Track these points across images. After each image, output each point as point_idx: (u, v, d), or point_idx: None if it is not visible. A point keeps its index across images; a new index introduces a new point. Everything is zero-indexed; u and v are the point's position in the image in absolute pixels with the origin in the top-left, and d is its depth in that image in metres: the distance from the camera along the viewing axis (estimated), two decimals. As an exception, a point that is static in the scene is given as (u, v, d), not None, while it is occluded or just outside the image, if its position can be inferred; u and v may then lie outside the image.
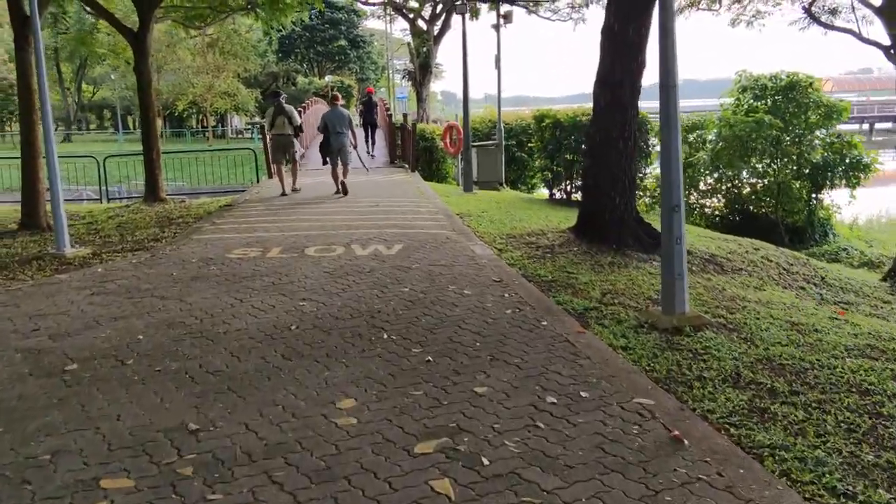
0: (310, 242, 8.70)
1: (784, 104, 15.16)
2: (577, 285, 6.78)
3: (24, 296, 6.57)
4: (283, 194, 13.07)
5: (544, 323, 5.43)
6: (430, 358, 4.68)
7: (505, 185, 16.74)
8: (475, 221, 10.48)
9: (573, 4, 40.21)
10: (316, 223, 10.15)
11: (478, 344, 4.96)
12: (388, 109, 20.32)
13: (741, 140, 14.60)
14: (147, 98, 13.58)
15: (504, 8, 18.83)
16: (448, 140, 17.15)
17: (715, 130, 15.50)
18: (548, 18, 41.52)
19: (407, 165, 17.74)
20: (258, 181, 17.39)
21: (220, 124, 54.59)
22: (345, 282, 6.76)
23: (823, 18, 11.60)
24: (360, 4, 63.00)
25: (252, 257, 7.94)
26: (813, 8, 11.42)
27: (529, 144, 17.51)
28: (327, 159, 13.07)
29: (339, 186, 12.86)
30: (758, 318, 5.93)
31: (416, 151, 16.69)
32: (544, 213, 12.02)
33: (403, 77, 48.69)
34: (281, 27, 48.21)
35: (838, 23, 11.59)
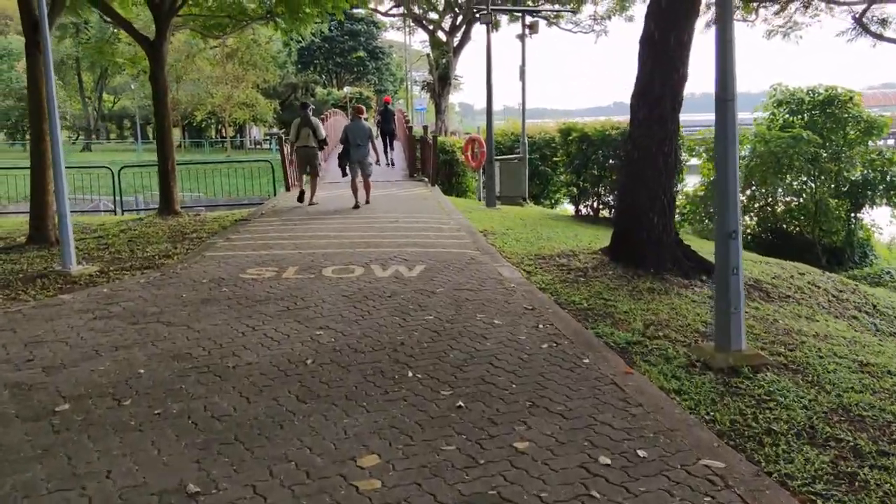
0: (327, 262, 8.23)
1: (822, 119, 14.56)
2: (617, 314, 6.24)
3: (23, 319, 6.14)
4: (300, 202, 13.05)
5: (586, 360, 4.90)
6: (461, 403, 4.17)
7: (528, 201, 16.22)
8: (500, 240, 9.97)
9: (595, 16, 39.87)
10: (334, 240, 9.69)
11: (514, 386, 4.44)
12: (407, 121, 19.94)
13: (776, 156, 14.00)
14: (162, 107, 13.25)
15: (529, 19, 18.36)
16: (469, 153, 16.70)
17: (749, 146, 14.92)
18: (569, 31, 41.19)
19: (427, 179, 17.29)
20: (275, 194, 16.99)
21: (238, 135, 54.64)
22: (364, 307, 6.28)
23: (873, 28, 11.02)
24: (379, 16, 63.39)
25: (267, 278, 7.48)
26: (863, 18, 10.85)
27: (554, 158, 16.99)
28: (346, 171, 12.94)
29: (357, 200, 12.73)
30: (821, 357, 5.36)
31: (436, 165, 16.24)
32: (572, 230, 11.49)
33: (422, 89, 48.42)
34: (300, 38, 48.36)
35: (888, 33, 11.03)
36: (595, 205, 13.92)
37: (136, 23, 15.81)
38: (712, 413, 4.17)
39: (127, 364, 4.90)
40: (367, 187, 13.06)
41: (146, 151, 46.40)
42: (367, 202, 13.01)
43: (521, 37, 16.42)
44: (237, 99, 39.34)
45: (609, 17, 39.44)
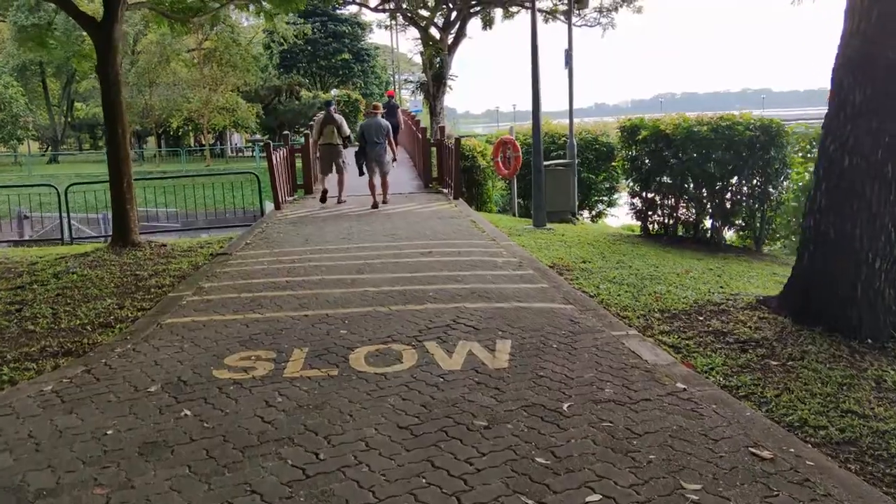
0: (353, 334, 5.26)
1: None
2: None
3: None
4: (323, 202, 12.84)
5: None
6: None
7: (579, 216, 13.22)
8: (588, 282, 7.05)
9: (601, 9, 37.20)
10: (354, 287, 6.73)
11: None
12: (418, 122, 16.96)
13: None
14: (114, 109, 10.15)
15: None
16: (500, 159, 13.78)
17: None
18: (575, 25, 38.40)
19: (447, 191, 14.33)
20: (262, 211, 13.96)
21: (218, 142, 51.37)
22: (448, 463, 3.32)
23: None
24: (364, 17, 60.52)
25: (258, 378, 4.50)
26: None
27: (610, 163, 14.14)
28: (363, 169, 12.40)
29: (375, 198, 12.36)
30: None
31: (458, 174, 13.29)
32: (669, 260, 8.58)
33: (415, 90, 45.53)
34: (283, 40, 45.19)
35: None
36: (666, 220, 11.01)
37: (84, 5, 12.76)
38: None
39: None
40: (384, 186, 12.68)
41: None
42: (385, 202, 12.62)
43: (568, 13, 13.46)
44: (216, 103, 36.03)
45: (616, 9, 36.90)
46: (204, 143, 40.81)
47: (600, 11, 36.94)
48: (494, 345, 4.97)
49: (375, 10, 40.73)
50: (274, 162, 12.98)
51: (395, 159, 12.93)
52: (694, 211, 10.60)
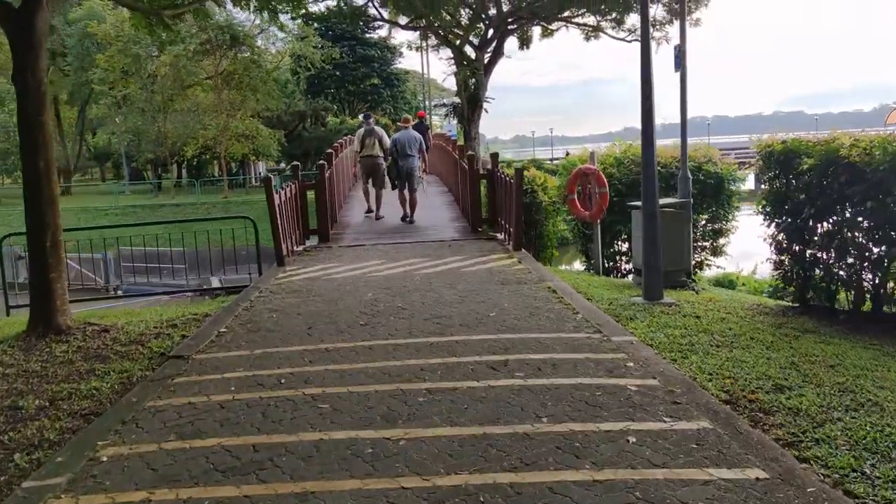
0: None
1: None
2: None
3: None
4: (368, 214, 13.33)
5: None
6: None
7: (694, 279, 9.53)
8: (825, 449, 3.60)
9: (654, 22, 33.82)
10: (374, 458, 3.37)
11: None
12: (460, 147, 13.55)
13: None
14: (34, 133, 6.92)
15: None
16: (579, 195, 10.35)
17: None
18: (622, 39, 35.14)
19: (501, 236, 11.00)
20: (260, 271, 10.70)
21: (241, 171, 48.80)
22: None
23: None
24: (394, 40, 58.15)
25: None
26: None
27: (723, 199, 10.66)
28: (396, 183, 12.33)
29: (406, 210, 12.51)
30: None
31: (520, 217, 9.94)
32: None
33: (448, 114, 42.57)
34: (311, 65, 42.49)
35: None
36: (833, 287, 7.46)
37: None
38: None
39: None
40: (412, 203, 12.57)
41: (135, 194, 40.55)
42: (412, 221, 12.52)
43: (681, 13, 10.02)
44: (234, 130, 33.20)
45: (671, 21, 33.50)
46: (223, 172, 37.91)
47: (653, 25, 33.60)
48: None
49: (406, 27, 37.92)
50: (276, 202, 9.75)
51: (426, 170, 13.15)
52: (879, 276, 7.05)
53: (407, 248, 10.50)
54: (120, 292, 24.24)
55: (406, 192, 12.28)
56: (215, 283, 21.09)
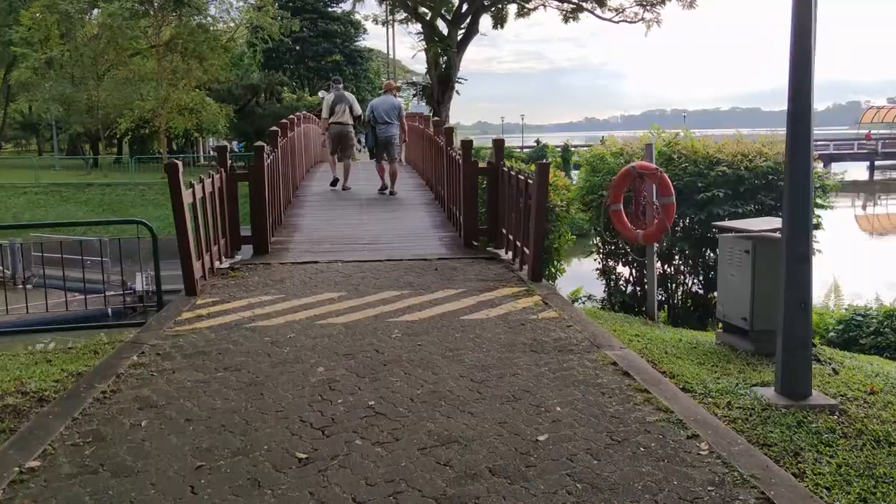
0: None
1: None
2: None
3: None
4: (333, 186, 12.59)
5: None
6: None
7: (817, 344, 6.35)
8: None
9: (643, 2, 31.10)
10: None
11: None
12: (450, 129, 10.44)
13: None
14: None
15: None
16: (632, 209, 7.24)
17: None
18: (608, 20, 32.29)
19: (506, 254, 7.99)
20: (160, 304, 7.43)
21: (191, 148, 44.71)
22: None
23: None
24: (358, 14, 54.76)
25: None
26: None
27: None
28: (373, 152, 11.83)
29: (386, 181, 12.03)
30: None
31: (541, 233, 6.95)
32: None
33: (416, 94, 39.32)
34: (268, 37, 38.70)
35: None
36: None
37: None
38: None
39: None
40: (392, 174, 12.02)
41: (67, 170, 36.25)
42: (393, 192, 11.99)
43: None
44: (176, 102, 29.30)
45: (663, 2, 30.75)
46: (162, 150, 33.91)
47: (642, 5, 30.86)
48: None
49: (374, -3, 34.48)
50: (185, 203, 6.52)
51: (405, 141, 12.76)
52: None
53: (378, 270, 7.42)
54: (30, 286, 20.78)
55: (385, 162, 11.90)
56: (139, 283, 17.72)
